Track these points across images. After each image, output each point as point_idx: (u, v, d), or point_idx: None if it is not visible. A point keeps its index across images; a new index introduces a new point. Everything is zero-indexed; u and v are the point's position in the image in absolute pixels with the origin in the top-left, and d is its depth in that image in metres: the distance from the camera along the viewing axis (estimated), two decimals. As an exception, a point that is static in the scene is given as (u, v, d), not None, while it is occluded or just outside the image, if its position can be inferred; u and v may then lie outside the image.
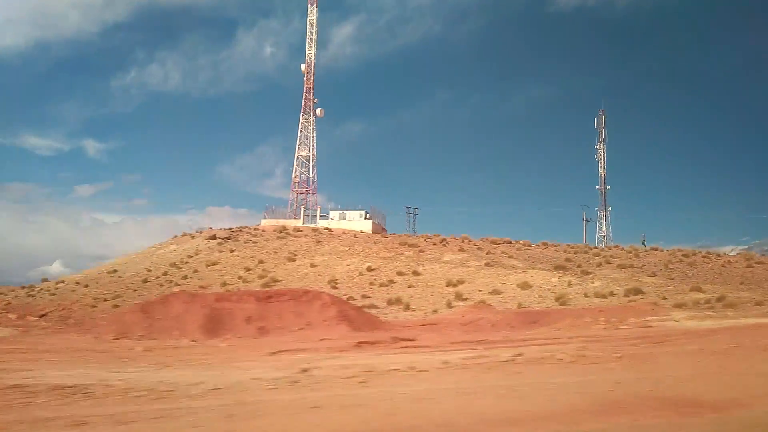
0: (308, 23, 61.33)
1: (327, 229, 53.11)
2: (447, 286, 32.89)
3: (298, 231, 51.80)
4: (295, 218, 57.03)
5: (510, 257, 39.19)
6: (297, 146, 60.42)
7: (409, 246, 43.44)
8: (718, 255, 44.29)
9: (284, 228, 52.57)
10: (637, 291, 27.06)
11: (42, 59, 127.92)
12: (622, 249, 48.09)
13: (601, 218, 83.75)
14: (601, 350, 10.85)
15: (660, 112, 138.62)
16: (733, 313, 19.08)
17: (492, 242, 45.21)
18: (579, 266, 35.48)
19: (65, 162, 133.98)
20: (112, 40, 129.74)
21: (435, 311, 26.66)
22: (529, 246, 44.73)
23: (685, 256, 40.96)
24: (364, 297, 31.51)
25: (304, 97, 61.09)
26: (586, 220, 77.76)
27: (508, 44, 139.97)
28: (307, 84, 61.08)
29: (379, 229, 56.28)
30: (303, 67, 61.46)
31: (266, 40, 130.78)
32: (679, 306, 22.10)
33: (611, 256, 39.66)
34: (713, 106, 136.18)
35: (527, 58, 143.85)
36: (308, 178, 59.72)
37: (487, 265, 36.77)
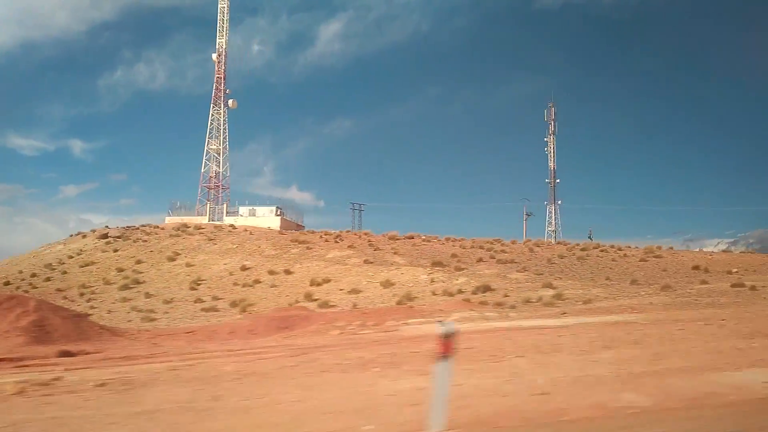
0: (219, 10, 58.44)
1: (231, 226, 50.45)
2: (311, 285, 30.67)
3: (198, 229, 49.03)
4: (201, 215, 54.21)
5: (396, 254, 37.12)
6: (206, 139, 57.56)
7: (299, 243, 41.11)
8: (659, 248, 42.88)
9: (185, 226, 49.78)
10: (486, 288, 25.17)
11: (28, 59, 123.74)
12: (550, 243, 46.60)
13: (550, 212, 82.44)
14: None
15: (649, 107, 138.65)
16: (529, 313, 17.15)
17: (391, 238, 43.18)
18: (459, 262, 33.58)
19: (50, 162, 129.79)
20: (99, 39, 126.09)
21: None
22: (430, 241, 42.80)
23: (582, 249, 39.42)
24: (216, 299, 29.17)
25: (214, 87, 58.23)
26: (527, 215, 76.08)
27: (495, 40, 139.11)
28: (218, 74, 58.21)
29: (292, 225, 53.86)
30: (214, 56, 58.57)
31: (253, 38, 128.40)
32: (497, 305, 20.17)
33: (502, 251, 37.92)
34: (701, 106, 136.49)
35: (514, 54, 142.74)
36: (218, 173, 56.91)
37: (366, 262, 34.65)
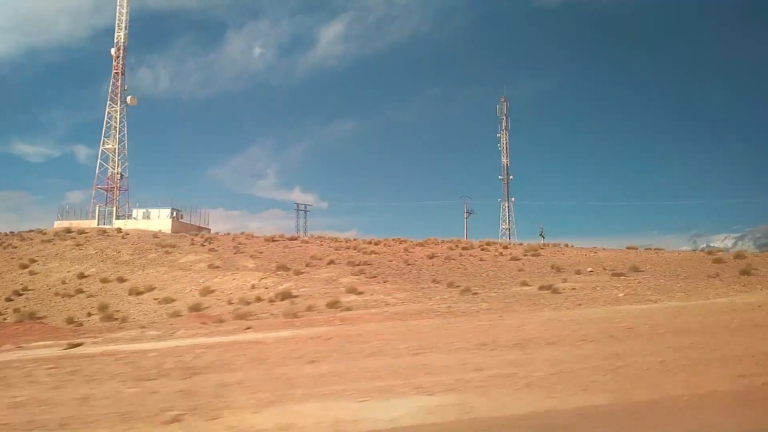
0: (117, 3, 55.52)
1: (118, 230, 47.56)
2: (129, 294, 27.89)
3: (81, 233, 46.06)
4: (91, 218, 51.28)
5: (253, 257, 34.42)
6: (102, 138, 54.60)
7: (162, 247, 38.25)
8: (567, 245, 40.68)
9: (67, 230, 46.82)
10: (287, 295, 22.54)
11: (31, 65, 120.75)
12: (463, 245, 43.94)
13: (503, 210, 79.92)
14: None
15: (654, 103, 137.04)
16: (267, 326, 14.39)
17: (268, 239, 40.47)
18: (308, 266, 30.91)
19: (56, 168, 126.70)
20: (102, 45, 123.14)
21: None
22: (307, 243, 40.16)
23: (465, 249, 36.87)
24: (16, 311, 26.34)
25: (111, 83, 55.34)
26: (468, 213, 73.57)
27: (496, 40, 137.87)
28: (115, 69, 55.35)
29: (189, 228, 51.09)
30: (112, 50, 55.68)
31: (255, 41, 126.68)
32: (239, 317, 17.46)
33: (373, 252, 35.29)
34: (705, 102, 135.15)
35: (513, 53, 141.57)
36: (113, 173, 53.93)
37: (211, 267, 31.91)
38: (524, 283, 22.54)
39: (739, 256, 30.20)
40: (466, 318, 15.15)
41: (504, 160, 77.06)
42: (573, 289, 20.26)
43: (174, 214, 50.39)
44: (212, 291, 26.41)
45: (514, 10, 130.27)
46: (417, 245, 39.34)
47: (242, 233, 46.19)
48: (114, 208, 51.28)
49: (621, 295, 18.95)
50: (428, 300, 19.77)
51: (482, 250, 36.40)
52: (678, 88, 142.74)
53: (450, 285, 22.99)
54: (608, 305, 16.80)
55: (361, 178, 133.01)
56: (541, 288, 20.39)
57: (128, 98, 54.99)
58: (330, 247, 38.59)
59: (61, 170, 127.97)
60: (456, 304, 18.04)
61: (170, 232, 47.83)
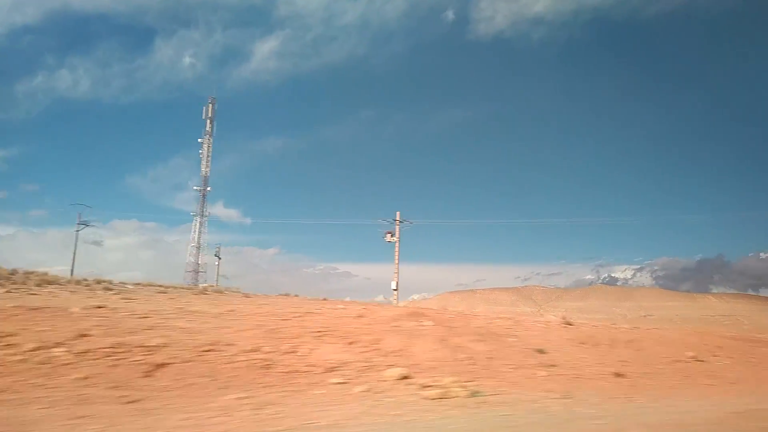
0: None
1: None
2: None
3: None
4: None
5: None
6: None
7: None
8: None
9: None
10: None
11: None
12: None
13: (195, 225, 68.31)
14: None
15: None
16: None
17: None
18: None
19: None
20: (20, 43, 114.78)
21: None
22: None
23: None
24: None
25: None
26: (80, 225, 57.55)
27: (429, 68, 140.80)
28: None
29: None
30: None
31: (185, 50, 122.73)
32: None
33: None
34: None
35: (446, 82, 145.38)
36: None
37: None
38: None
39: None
40: None
41: (204, 168, 65.99)
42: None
43: None
44: None
45: (449, 41, 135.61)
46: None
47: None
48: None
49: None
50: None
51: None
52: (585, 120, 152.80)
53: None
54: None
55: (288, 196, 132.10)
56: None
57: None
58: None
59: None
60: None
61: None
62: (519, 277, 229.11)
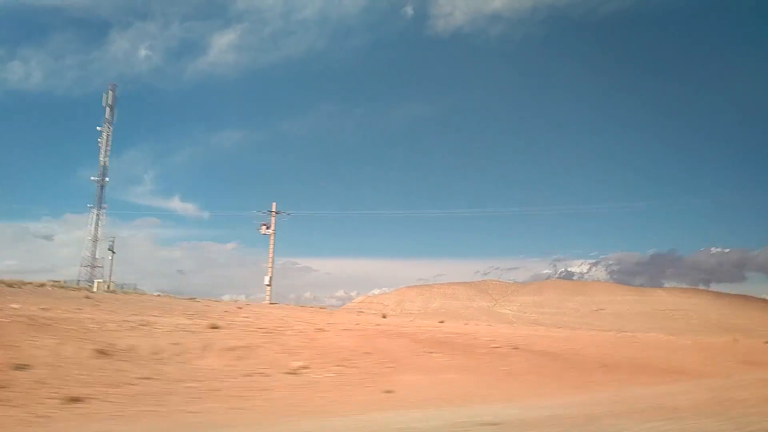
0: None
1: None
2: None
3: None
4: None
5: None
6: None
7: None
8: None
9: None
10: None
11: None
12: None
13: (92, 219, 65.95)
14: None
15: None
16: None
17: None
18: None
19: None
20: None
21: None
22: None
23: None
24: None
25: None
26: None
27: (389, 63, 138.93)
28: None
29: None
30: None
31: (141, 42, 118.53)
32: None
33: None
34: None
35: (406, 77, 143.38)
36: None
37: None
38: None
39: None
40: None
41: (102, 158, 62.06)
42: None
43: None
44: None
45: (409, 36, 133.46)
46: None
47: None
48: None
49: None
50: None
51: None
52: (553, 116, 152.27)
53: None
54: None
55: (247, 190, 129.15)
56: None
57: None
58: None
59: None
60: None
61: None
62: (479, 272, 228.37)
